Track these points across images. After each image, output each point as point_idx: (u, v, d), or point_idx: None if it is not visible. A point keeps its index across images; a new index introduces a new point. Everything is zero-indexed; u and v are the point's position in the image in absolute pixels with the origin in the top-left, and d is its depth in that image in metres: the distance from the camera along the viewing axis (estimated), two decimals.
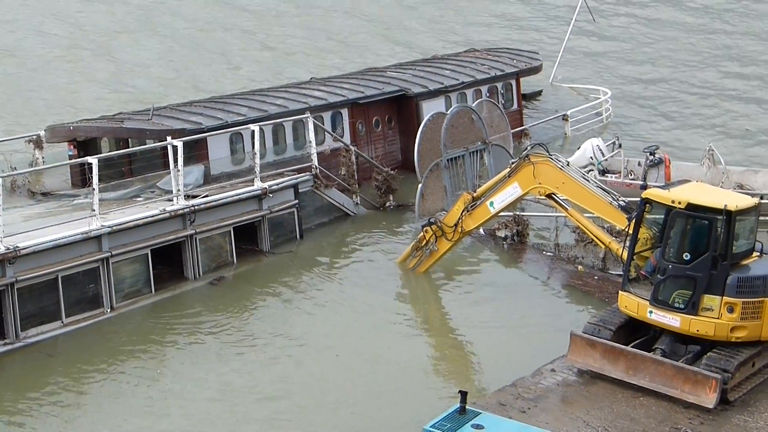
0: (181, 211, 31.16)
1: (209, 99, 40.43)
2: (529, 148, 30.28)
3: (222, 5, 61.38)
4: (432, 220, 31.53)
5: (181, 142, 31.57)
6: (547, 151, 29.51)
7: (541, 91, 50.57)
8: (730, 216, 24.71)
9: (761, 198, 30.75)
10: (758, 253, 25.97)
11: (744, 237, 25.57)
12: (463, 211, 30.70)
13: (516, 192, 29.80)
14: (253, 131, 33.76)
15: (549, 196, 29.61)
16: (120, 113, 38.79)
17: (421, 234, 31.71)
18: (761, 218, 26.88)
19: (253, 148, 33.71)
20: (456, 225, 30.89)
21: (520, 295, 31.34)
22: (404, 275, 32.24)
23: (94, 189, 29.24)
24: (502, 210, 30.73)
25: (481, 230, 34.89)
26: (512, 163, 30.24)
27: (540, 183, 29.31)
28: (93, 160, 29.45)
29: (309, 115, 36.09)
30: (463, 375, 27.15)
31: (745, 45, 59.57)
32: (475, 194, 30.71)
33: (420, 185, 34.47)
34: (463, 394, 20.88)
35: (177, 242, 31.27)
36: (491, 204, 30.27)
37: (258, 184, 33.35)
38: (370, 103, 40.22)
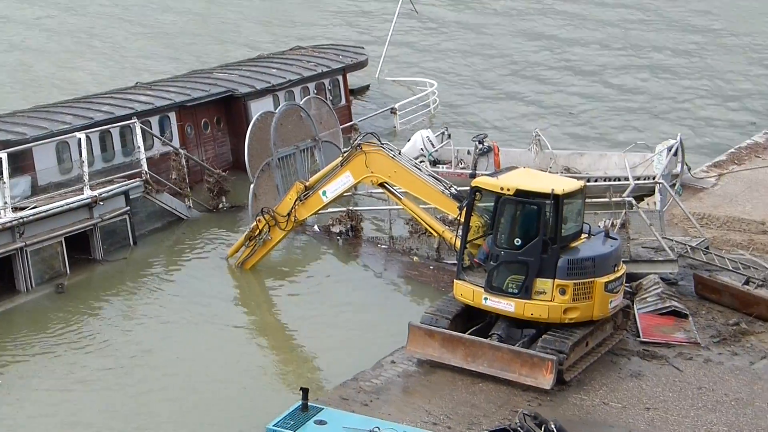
0: (9, 224, 30.50)
1: (33, 108, 39.58)
2: (361, 137, 30.38)
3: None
4: (265, 209, 31.43)
5: (6, 154, 30.98)
6: (379, 141, 29.69)
7: (369, 85, 50.79)
8: (557, 200, 25.20)
9: (587, 180, 31.55)
10: (586, 235, 26.54)
11: (572, 220, 26.13)
12: (296, 201, 30.67)
13: (348, 181, 29.91)
14: (79, 139, 33.26)
15: (382, 185, 29.79)
16: None
17: (254, 224, 31.61)
18: (588, 200, 27.53)
19: (81, 156, 33.19)
20: (289, 214, 30.85)
21: (357, 289, 31.50)
22: (241, 276, 32.12)
23: None
24: (336, 199, 30.80)
25: (316, 227, 35.03)
26: (344, 152, 30.38)
27: (372, 172, 29.46)
28: None
29: (136, 120, 35.69)
30: (304, 372, 27.18)
31: (565, 31, 60.79)
32: (307, 183, 30.72)
33: (252, 185, 34.35)
34: (305, 391, 20.92)
35: (7, 255, 30.60)
36: (324, 193, 30.31)
37: (87, 193, 32.83)
38: (197, 106, 39.86)
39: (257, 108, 39.82)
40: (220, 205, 37.25)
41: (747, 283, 29.99)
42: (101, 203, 32.96)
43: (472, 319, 26.59)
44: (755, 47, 58.94)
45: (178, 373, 26.73)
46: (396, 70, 53.10)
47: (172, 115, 39.09)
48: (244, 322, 29.93)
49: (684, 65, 55.94)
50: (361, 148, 29.47)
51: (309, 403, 20.95)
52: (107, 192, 33.39)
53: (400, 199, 29.99)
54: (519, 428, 19.60)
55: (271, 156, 35.16)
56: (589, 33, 60.63)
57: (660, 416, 24.27)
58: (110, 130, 36.50)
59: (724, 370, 26.36)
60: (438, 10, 63.54)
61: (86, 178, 32.97)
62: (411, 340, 26.05)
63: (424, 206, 29.92)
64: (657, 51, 58.01)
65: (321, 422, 20.39)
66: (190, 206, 36.49)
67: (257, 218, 31.56)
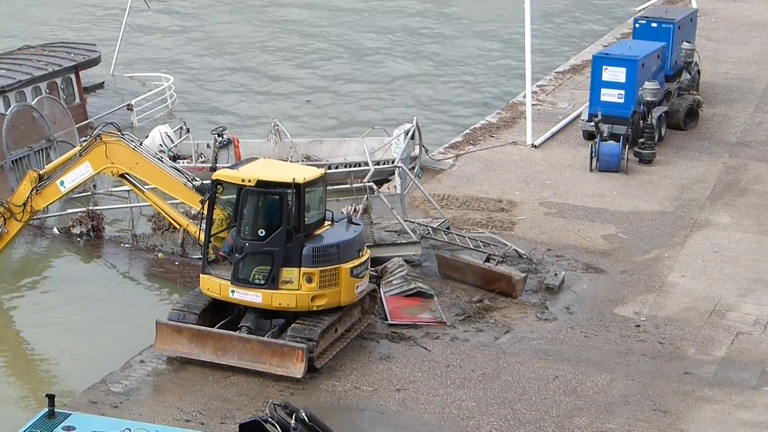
0: None
1: None
2: (100, 127, 29.68)
3: None
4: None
5: None
6: (120, 131, 29.10)
7: (103, 82, 49.85)
8: (299, 188, 25.28)
9: (328, 168, 31.76)
10: (330, 222, 26.71)
11: (315, 207, 26.29)
12: (31, 191, 29.71)
13: (87, 171, 29.10)
14: None
15: (123, 176, 29.20)
16: None
17: None
18: (329, 187, 27.70)
19: None
20: (25, 204, 29.84)
21: (102, 291, 30.96)
22: None
23: None
24: (75, 189, 29.96)
25: (55, 229, 34.25)
26: (83, 141, 29.64)
27: (113, 162, 28.79)
28: None
29: None
30: (50, 379, 26.63)
31: (297, 22, 61.13)
32: (41, 172, 29.77)
33: None
34: (50, 398, 20.29)
35: None
36: (62, 183, 29.34)
37: None
38: None
39: None
40: None
41: (488, 260, 30.73)
42: None
43: (220, 312, 26.44)
44: (485, 29, 60.50)
45: None
46: (131, 66, 52.35)
47: None
48: None
49: (417, 49, 56.95)
50: (100, 138, 28.76)
51: (56, 410, 20.34)
52: None
53: (142, 191, 29.46)
54: (270, 419, 19.48)
55: (5, 159, 34.16)
56: (324, 20, 61.14)
57: (411, 396, 24.66)
58: None
59: (470, 346, 26.97)
60: (172, 4, 62.98)
61: None
62: (159, 337, 25.72)
63: (170, 201, 29.48)
64: (390, 34, 58.93)
65: (69, 428, 19.80)
66: None
67: None
